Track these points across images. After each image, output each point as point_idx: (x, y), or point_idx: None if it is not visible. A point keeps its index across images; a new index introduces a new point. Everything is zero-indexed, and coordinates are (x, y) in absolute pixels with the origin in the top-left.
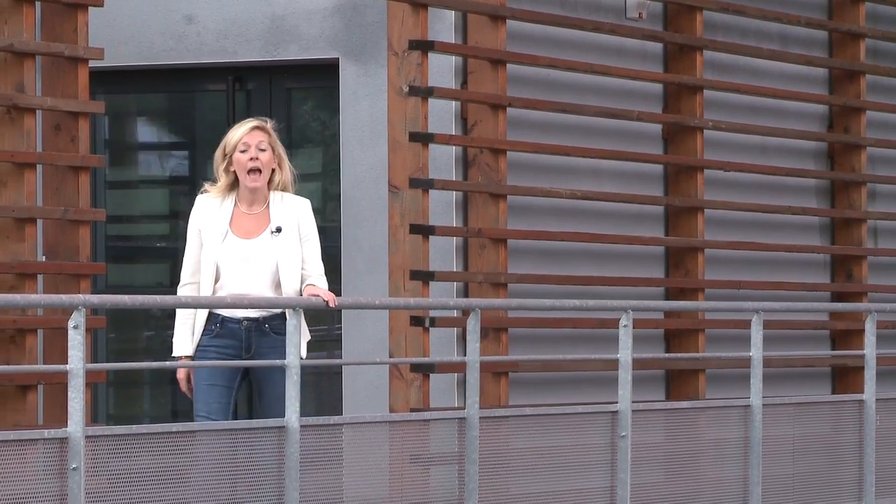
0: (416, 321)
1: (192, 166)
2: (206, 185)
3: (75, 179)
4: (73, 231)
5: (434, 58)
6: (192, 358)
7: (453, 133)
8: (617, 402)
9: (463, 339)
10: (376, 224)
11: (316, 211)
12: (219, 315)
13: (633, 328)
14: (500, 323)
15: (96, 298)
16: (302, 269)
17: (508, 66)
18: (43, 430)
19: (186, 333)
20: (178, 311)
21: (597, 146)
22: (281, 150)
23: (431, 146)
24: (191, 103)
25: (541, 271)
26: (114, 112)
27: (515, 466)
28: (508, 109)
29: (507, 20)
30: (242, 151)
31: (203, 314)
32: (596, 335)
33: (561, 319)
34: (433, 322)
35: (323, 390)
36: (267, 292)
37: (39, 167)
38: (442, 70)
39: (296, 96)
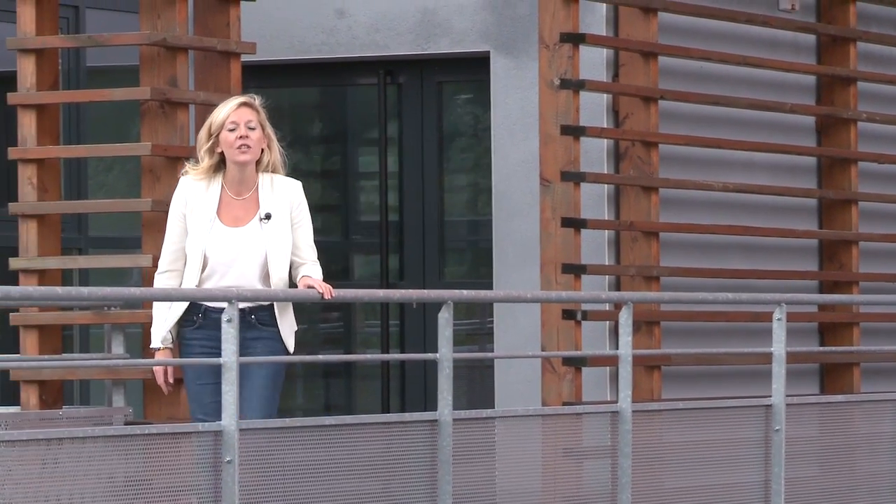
0: (568, 314)
1: (343, 160)
2: (188, 166)
3: None
4: None
5: (585, 50)
6: (171, 350)
7: (605, 126)
8: (771, 396)
9: (615, 332)
10: (528, 217)
11: (467, 204)
12: (201, 305)
13: (787, 322)
14: (652, 316)
15: (249, 292)
16: (294, 255)
17: (660, 58)
18: (197, 423)
19: (164, 324)
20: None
21: (749, 139)
22: (270, 129)
23: (583, 139)
24: (342, 97)
25: (693, 264)
26: (265, 106)
27: (668, 460)
28: (660, 102)
29: (658, 12)
30: (230, 130)
31: (181, 305)
32: (749, 328)
33: (714, 313)
34: (585, 315)
35: (475, 384)
36: (255, 283)
37: None
38: (593, 63)
39: (447, 90)
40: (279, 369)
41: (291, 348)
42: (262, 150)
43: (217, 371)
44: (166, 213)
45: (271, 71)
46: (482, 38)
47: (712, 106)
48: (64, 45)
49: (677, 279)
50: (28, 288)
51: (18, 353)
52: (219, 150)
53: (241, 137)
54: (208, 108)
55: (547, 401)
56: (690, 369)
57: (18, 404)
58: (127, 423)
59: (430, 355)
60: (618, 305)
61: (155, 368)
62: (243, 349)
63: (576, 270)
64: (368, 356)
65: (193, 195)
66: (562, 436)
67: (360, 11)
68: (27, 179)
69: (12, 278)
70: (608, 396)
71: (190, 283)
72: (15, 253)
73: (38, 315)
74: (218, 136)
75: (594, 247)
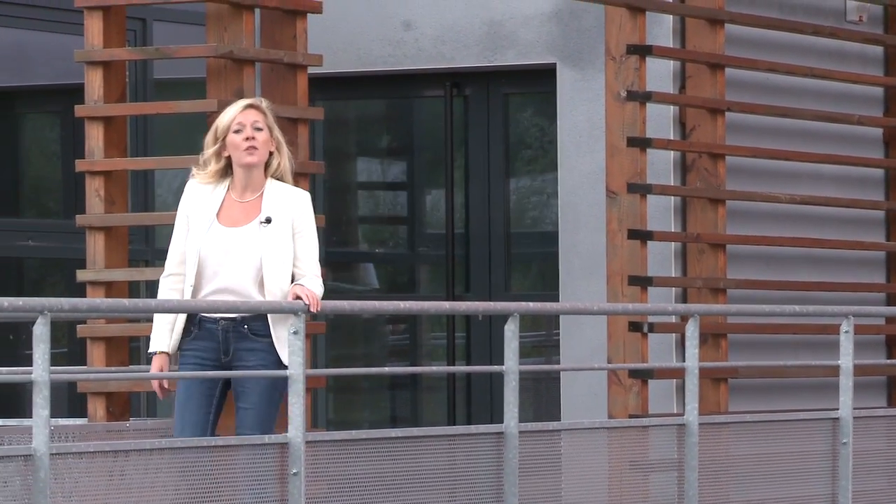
0: (635, 327)
1: (409, 172)
2: (195, 170)
3: (294, 185)
4: None
5: (652, 62)
6: (169, 355)
7: (671, 138)
8: (838, 409)
9: (682, 344)
10: (594, 229)
11: (533, 216)
12: (196, 315)
13: (855, 334)
14: (719, 328)
15: (303, 303)
16: (295, 266)
17: (727, 70)
18: (263, 435)
19: (165, 328)
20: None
21: (816, 150)
22: (279, 133)
23: (649, 151)
24: (408, 109)
25: (760, 276)
26: (331, 118)
27: (735, 473)
28: (727, 114)
29: (725, 24)
30: (237, 132)
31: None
32: (817, 341)
33: (781, 325)
34: (651, 328)
35: (541, 396)
36: (250, 288)
37: None
38: (660, 74)
39: (513, 102)
40: (276, 384)
41: (286, 360)
42: (271, 154)
43: (204, 383)
44: None
45: (338, 83)
46: (548, 50)
47: (779, 118)
48: (131, 58)
49: (744, 291)
50: (95, 300)
51: (86, 364)
52: (225, 153)
53: (247, 139)
54: (275, 120)
55: (613, 413)
56: (757, 382)
57: (86, 416)
58: None
59: (496, 367)
60: (684, 318)
61: (153, 369)
62: (234, 360)
63: (642, 282)
64: (434, 368)
65: (198, 197)
66: (628, 448)
67: (427, 23)
68: (94, 191)
69: (80, 290)
70: (675, 409)
71: (187, 284)
72: (82, 265)
73: (105, 327)
74: (224, 139)
75: (660, 259)
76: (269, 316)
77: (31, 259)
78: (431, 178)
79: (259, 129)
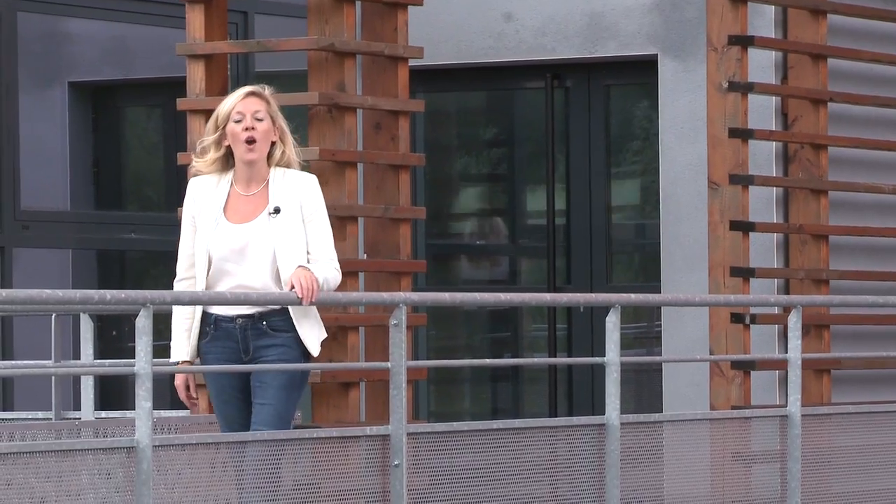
0: (737, 318)
1: (510, 164)
2: (194, 160)
3: (395, 178)
4: (394, 229)
5: (754, 53)
6: (191, 363)
7: (773, 128)
8: None
9: (784, 335)
10: (696, 220)
11: (635, 208)
12: (212, 314)
13: None
14: (821, 319)
15: (417, 296)
16: (308, 253)
17: (829, 60)
18: (365, 427)
19: (184, 336)
20: (175, 312)
21: None
22: (282, 122)
23: (751, 142)
24: (509, 101)
25: (863, 267)
26: (432, 110)
27: (838, 465)
28: (830, 104)
29: (827, 14)
30: (237, 121)
31: (199, 314)
32: None
33: (885, 316)
34: (754, 319)
35: (643, 387)
36: (269, 283)
37: (360, 166)
38: (762, 65)
39: (614, 93)
40: (295, 379)
41: (315, 352)
42: (274, 144)
43: (235, 384)
44: (335, 217)
45: (438, 75)
46: (650, 41)
47: (882, 108)
48: (232, 51)
49: (847, 282)
50: (197, 292)
51: None
52: (226, 142)
53: (247, 129)
54: (376, 112)
55: (715, 405)
56: (860, 373)
57: (188, 408)
58: (295, 427)
59: (597, 359)
60: (787, 309)
61: (176, 384)
62: (255, 359)
63: (744, 274)
64: (536, 360)
65: (202, 194)
66: (730, 440)
67: (528, 15)
68: None
69: None
70: (777, 400)
71: (199, 286)
72: None
73: None
74: (225, 127)
75: (762, 250)
76: (290, 309)
77: (133, 251)
78: (532, 169)
79: (259, 120)
